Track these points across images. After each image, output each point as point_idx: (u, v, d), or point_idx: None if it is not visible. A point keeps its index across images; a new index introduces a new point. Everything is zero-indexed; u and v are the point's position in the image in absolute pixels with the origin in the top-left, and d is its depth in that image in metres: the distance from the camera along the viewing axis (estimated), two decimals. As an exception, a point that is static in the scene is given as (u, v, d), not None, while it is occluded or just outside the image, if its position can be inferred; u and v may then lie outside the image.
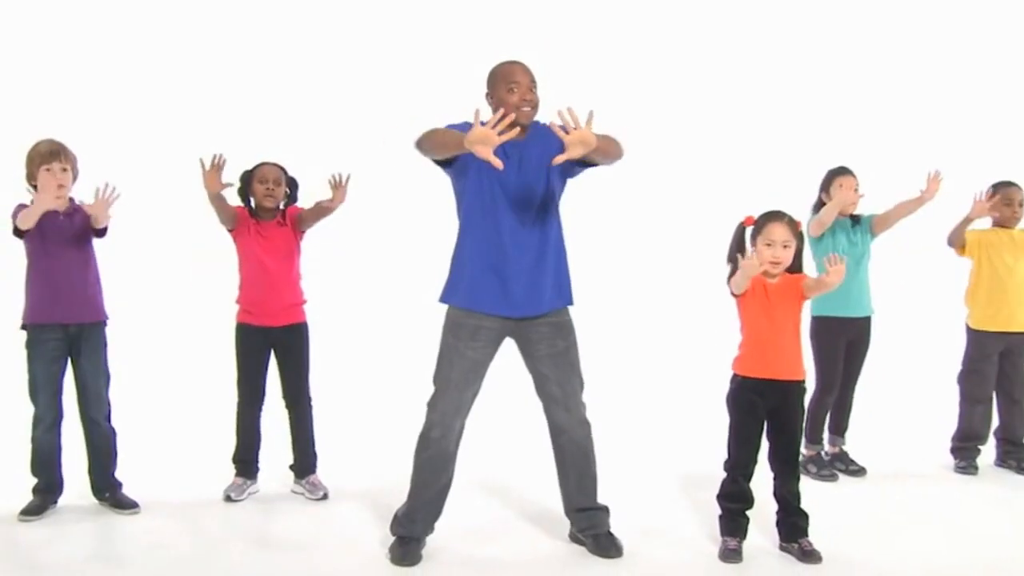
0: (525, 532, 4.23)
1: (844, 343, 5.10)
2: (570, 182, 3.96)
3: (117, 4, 7.28)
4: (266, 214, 4.62)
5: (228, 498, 4.58)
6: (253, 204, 4.63)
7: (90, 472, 4.48)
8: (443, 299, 3.91)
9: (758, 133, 7.60)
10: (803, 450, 5.15)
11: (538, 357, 3.88)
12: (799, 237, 3.92)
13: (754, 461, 3.93)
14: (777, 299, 3.87)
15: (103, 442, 4.43)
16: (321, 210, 4.58)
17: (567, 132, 3.46)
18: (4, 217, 4.30)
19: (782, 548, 3.99)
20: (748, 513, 3.97)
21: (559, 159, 3.55)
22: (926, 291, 5.95)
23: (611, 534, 3.99)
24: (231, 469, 4.70)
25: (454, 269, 3.92)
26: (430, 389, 3.90)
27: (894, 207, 5.10)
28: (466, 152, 3.55)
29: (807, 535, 3.95)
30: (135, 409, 4.78)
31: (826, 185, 5.14)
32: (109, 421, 4.46)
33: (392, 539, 3.94)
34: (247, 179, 4.62)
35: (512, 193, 3.78)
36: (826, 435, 5.26)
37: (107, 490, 4.46)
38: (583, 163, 3.79)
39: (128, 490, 4.51)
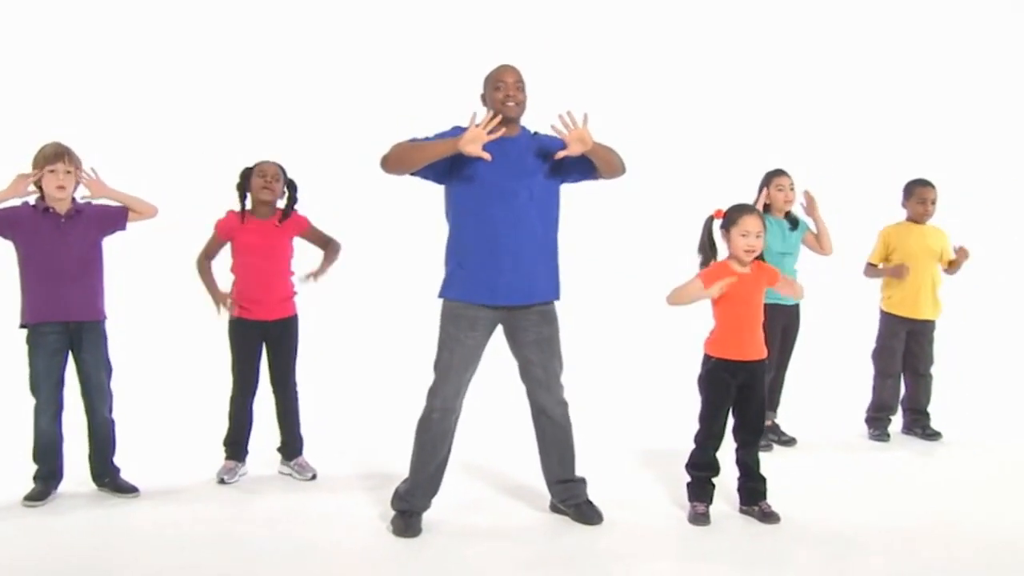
0: (510, 505, 4.62)
1: (778, 328, 5.61)
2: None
3: (117, 7, 7.37)
4: (263, 209, 4.83)
5: (222, 480, 4.82)
6: (250, 200, 4.84)
7: (90, 459, 4.66)
8: (441, 294, 4.24)
9: (733, 131, 8.12)
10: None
11: (525, 343, 4.25)
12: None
13: (723, 433, 4.39)
14: (751, 287, 4.31)
15: (104, 430, 4.62)
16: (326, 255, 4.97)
17: (567, 131, 3.91)
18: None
19: (742, 511, 4.47)
20: (714, 481, 4.43)
21: (560, 154, 3.99)
22: (844, 280, 6.54)
23: (591, 502, 4.40)
24: (221, 453, 4.94)
25: (449, 264, 4.24)
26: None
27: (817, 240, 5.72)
28: (454, 154, 3.96)
29: (766, 498, 4.45)
30: (128, 399, 4.94)
31: (765, 184, 5.64)
32: (111, 412, 4.65)
33: (393, 514, 4.27)
34: (247, 174, 4.83)
35: (504, 187, 4.11)
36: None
37: (107, 476, 4.65)
38: (583, 173, 4.20)
39: (125, 475, 4.71)
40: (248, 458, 4.99)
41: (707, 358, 4.36)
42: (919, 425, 5.99)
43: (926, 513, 4.54)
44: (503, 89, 4.14)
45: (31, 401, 4.52)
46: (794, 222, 5.68)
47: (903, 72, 8.40)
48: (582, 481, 4.44)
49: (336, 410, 6.22)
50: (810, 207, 5.63)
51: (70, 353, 4.53)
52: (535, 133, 4.26)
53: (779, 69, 8.28)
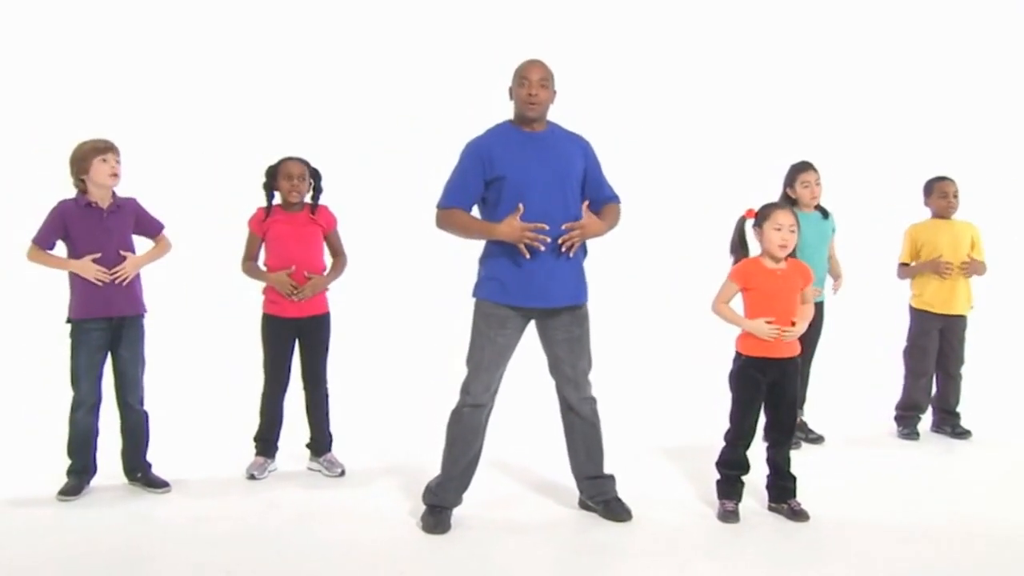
0: (540, 501, 4.63)
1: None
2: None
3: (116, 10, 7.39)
4: (294, 207, 4.87)
5: (252, 476, 4.86)
6: (278, 197, 4.87)
7: (123, 454, 4.71)
8: (475, 294, 4.26)
9: (747, 131, 8.06)
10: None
11: (556, 341, 4.26)
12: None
13: (754, 432, 4.39)
14: (784, 283, 4.30)
15: (137, 425, 4.67)
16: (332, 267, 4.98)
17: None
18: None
19: (771, 508, 4.47)
20: (743, 479, 4.43)
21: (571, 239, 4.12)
22: (872, 275, 6.52)
23: (620, 499, 4.41)
24: (251, 449, 4.98)
25: (483, 265, 4.27)
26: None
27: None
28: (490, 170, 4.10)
29: (795, 496, 4.44)
30: (161, 394, 4.99)
31: (790, 181, 5.62)
32: (142, 404, 4.70)
33: (423, 509, 4.29)
34: (272, 174, 4.85)
35: (538, 187, 4.11)
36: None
37: (139, 470, 4.70)
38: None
39: (156, 470, 4.76)
40: (278, 454, 5.02)
41: (738, 355, 4.35)
42: (948, 424, 5.96)
43: (956, 512, 4.52)
44: (526, 87, 4.14)
45: (67, 396, 4.58)
46: (824, 212, 5.65)
47: (920, 69, 8.32)
48: (611, 478, 4.44)
49: (366, 406, 6.24)
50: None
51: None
52: (556, 125, 4.29)
53: (798, 69, 8.21)
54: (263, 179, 4.87)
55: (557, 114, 4.29)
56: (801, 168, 5.60)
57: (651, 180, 7.42)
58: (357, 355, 6.23)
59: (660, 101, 7.92)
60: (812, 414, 5.85)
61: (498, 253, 4.17)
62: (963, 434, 5.88)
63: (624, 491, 4.47)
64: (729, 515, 4.35)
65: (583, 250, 4.26)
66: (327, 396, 5.01)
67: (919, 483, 5.01)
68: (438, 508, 4.26)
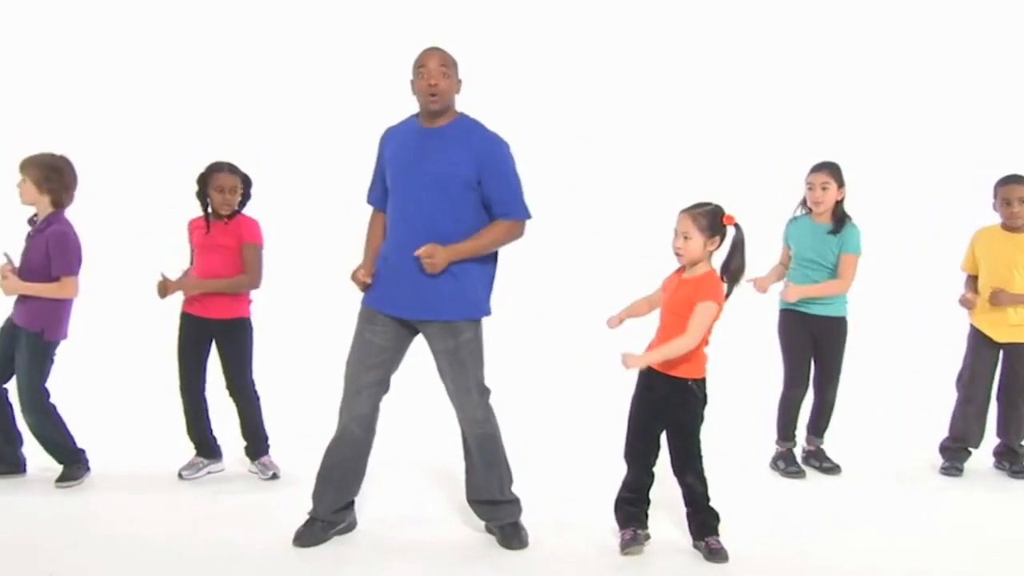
0: (446, 521, 4.26)
1: (807, 340, 4.92)
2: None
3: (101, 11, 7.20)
4: (224, 217, 4.69)
5: (180, 476, 4.75)
6: (210, 207, 4.69)
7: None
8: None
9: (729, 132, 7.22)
10: (774, 445, 5.04)
11: (435, 353, 3.90)
12: (706, 229, 3.76)
13: (652, 452, 3.86)
14: (670, 297, 3.83)
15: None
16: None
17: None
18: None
19: (694, 546, 3.90)
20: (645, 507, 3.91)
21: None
22: (931, 289, 5.68)
23: (516, 525, 3.99)
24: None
25: None
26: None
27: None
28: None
29: (716, 533, 3.85)
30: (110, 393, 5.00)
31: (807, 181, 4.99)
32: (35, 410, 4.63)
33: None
34: (203, 183, 4.69)
35: (414, 189, 3.78)
36: (805, 434, 5.13)
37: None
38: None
39: (94, 464, 4.74)
40: (231, 454, 4.89)
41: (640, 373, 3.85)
42: (1008, 459, 5.06)
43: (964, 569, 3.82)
44: (425, 76, 3.76)
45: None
46: (838, 225, 4.89)
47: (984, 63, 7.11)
48: (508, 503, 4.02)
49: (312, 408, 5.94)
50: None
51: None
52: (465, 117, 3.87)
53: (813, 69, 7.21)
54: (195, 188, 4.71)
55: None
56: (811, 168, 4.97)
57: (650, 181, 6.82)
58: (302, 356, 6.02)
59: (660, 101, 7.16)
60: (842, 442, 5.16)
61: (384, 253, 3.92)
62: (1021, 472, 4.98)
63: (537, 516, 4.08)
64: (629, 544, 3.83)
65: (470, 262, 3.81)
66: (255, 402, 4.81)
67: (938, 526, 4.32)
68: (311, 519, 3.98)
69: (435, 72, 3.74)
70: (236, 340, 4.74)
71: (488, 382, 3.93)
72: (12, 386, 4.67)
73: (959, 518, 4.45)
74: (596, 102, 6.90)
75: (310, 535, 3.93)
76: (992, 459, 5.14)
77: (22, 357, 4.57)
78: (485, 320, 3.91)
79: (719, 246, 3.77)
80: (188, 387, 4.77)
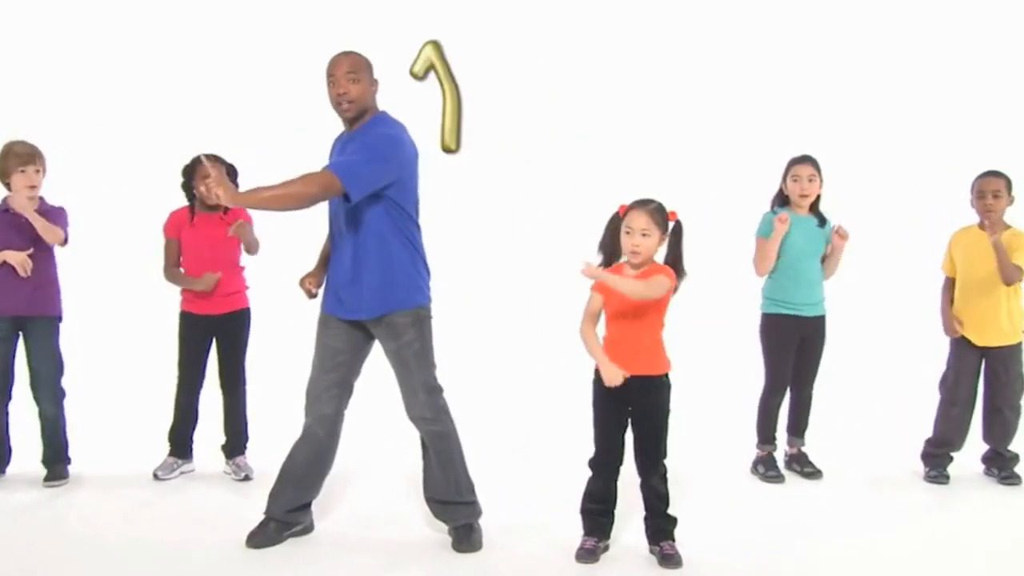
0: (411, 522, 4.25)
1: (794, 342, 4.87)
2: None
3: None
4: (211, 208, 4.73)
5: (156, 476, 4.78)
6: (197, 197, 4.75)
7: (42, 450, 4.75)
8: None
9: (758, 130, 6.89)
10: (755, 449, 4.97)
11: (385, 352, 3.91)
12: (661, 225, 3.72)
13: (616, 459, 3.79)
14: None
15: (47, 424, 4.72)
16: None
17: None
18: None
19: (650, 551, 3.83)
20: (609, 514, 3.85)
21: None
22: (905, 291, 5.55)
23: (471, 527, 3.96)
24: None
25: None
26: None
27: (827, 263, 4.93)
28: None
29: (671, 538, 3.80)
30: (82, 391, 5.03)
31: (784, 174, 4.95)
32: (59, 406, 4.72)
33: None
34: (189, 174, 4.75)
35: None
36: (787, 437, 5.06)
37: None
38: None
39: (73, 467, 4.78)
40: (203, 454, 4.91)
41: (598, 375, 3.77)
42: (996, 465, 4.94)
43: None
44: (335, 85, 3.75)
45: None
46: (822, 219, 4.89)
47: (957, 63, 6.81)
48: (464, 504, 3.98)
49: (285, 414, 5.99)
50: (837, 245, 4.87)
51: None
52: (384, 115, 3.85)
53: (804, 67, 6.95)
54: (181, 179, 4.77)
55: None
56: (794, 160, 4.91)
57: (650, 181, 6.61)
58: (280, 360, 6.01)
59: (660, 101, 6.92)
60: (823, 446, 5.08)
61: None
62: (1010, 479, 4.87)
63: (496, 518, 4.05)
64: (586, 554, 3.78)
65: (388, 255, 3.77)
66: (244, 397, 4.86)
67: (920, 537, 4.20)
68: (266, 519, 3.97)
69: (342, 80, 3.72)
70: (237, 333, 4.81)
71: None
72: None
73: (946, 526, 4.36)
74: (596, 102, 6.81)
75: (263, 536, 3.93)
76: (981, 466, 5.01)
77: (46, 349, 4.63)
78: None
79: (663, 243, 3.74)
80: (187, 387, 4.81)
